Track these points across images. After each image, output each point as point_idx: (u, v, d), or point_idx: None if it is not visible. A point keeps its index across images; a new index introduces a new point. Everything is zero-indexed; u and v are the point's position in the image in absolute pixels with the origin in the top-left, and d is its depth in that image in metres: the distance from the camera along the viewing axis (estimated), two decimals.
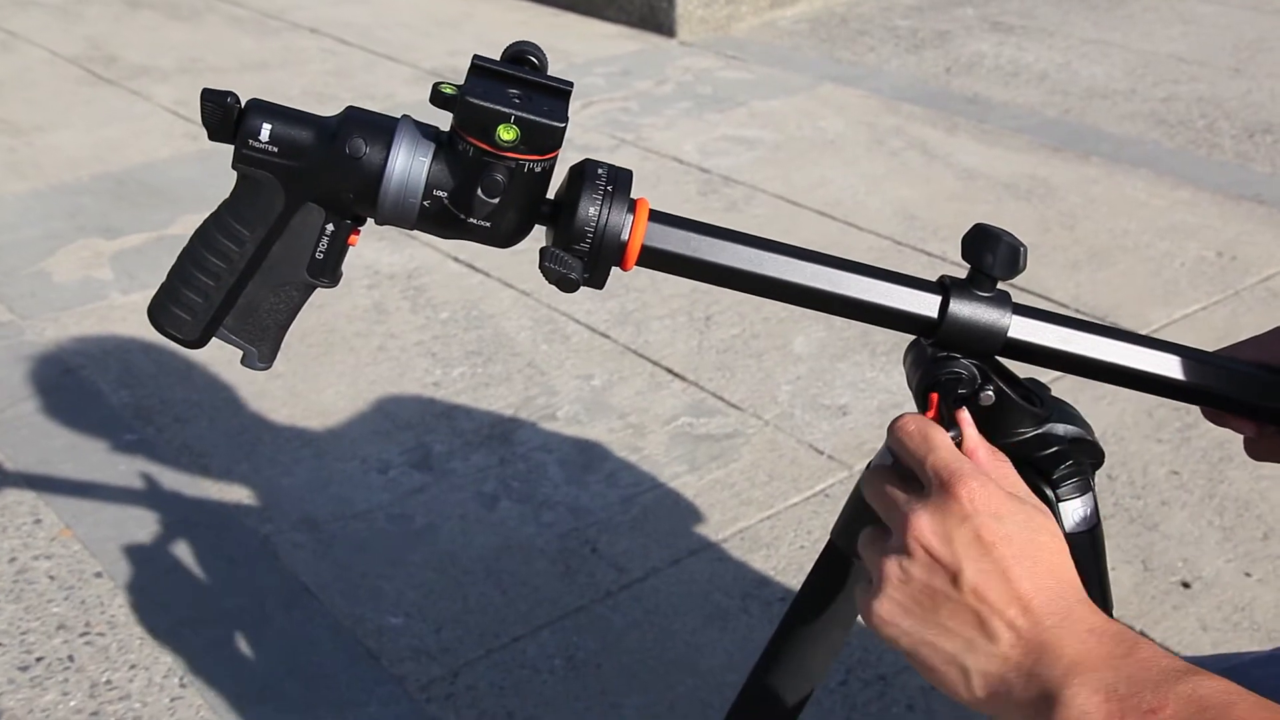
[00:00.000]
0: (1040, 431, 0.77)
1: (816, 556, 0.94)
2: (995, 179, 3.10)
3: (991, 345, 0.73)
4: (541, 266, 0.69)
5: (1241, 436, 0.82)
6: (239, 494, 1.97)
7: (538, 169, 0.68)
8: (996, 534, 0.64)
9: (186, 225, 2.93)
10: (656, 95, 3.75)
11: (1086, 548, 0.76)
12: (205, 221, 0.70)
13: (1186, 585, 1.75)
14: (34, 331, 2.46)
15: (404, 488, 1.98)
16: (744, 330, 2.42)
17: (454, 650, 1.66)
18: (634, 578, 1.78)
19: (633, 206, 0.71)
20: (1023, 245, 0.71)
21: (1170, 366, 0.77)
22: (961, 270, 0.74)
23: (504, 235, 0.70)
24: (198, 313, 0.71)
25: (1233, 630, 1.67)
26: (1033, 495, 0.69)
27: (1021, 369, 0.77)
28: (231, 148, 0.69)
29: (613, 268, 0.72)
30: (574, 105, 3.65)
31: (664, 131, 3.45)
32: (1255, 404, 0.78)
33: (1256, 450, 0.81)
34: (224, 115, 0.67)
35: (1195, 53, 4.04)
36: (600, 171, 0.71)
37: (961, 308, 0.72)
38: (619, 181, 0.71)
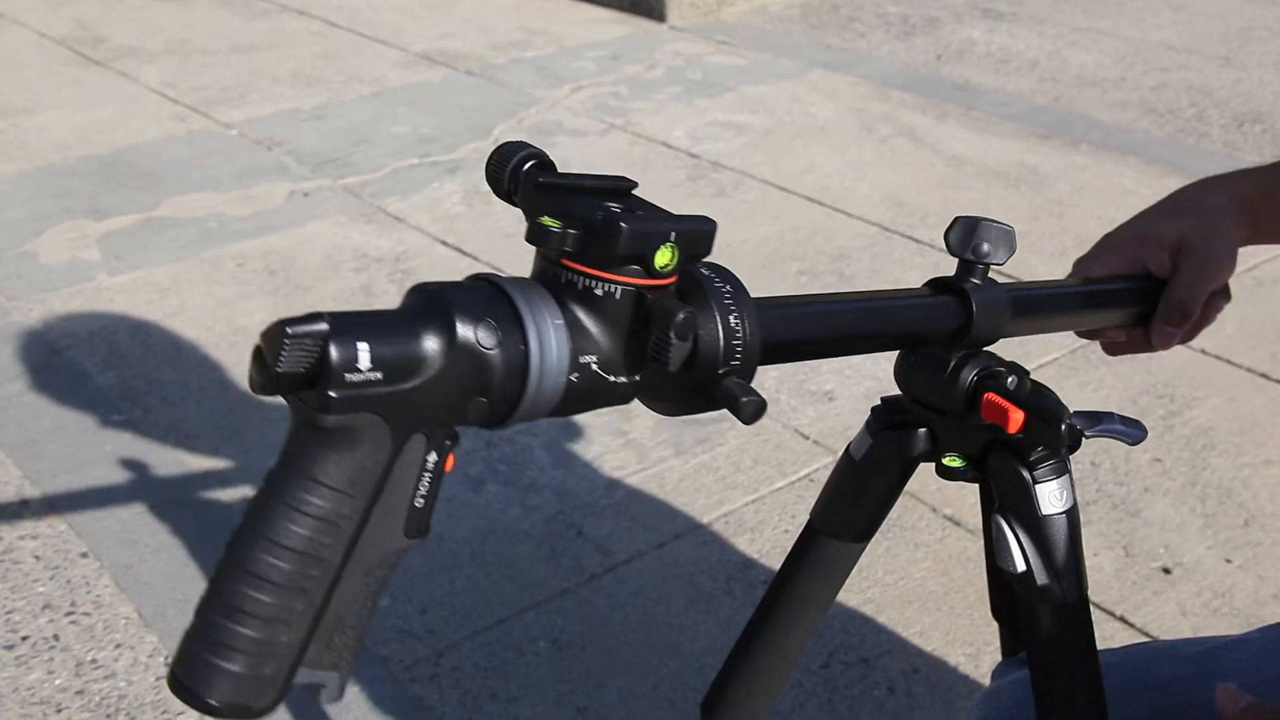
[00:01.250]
0: None
1: None
2: (984, 166, 3.10)
3: (1000, 334, 0.75)
4: (743, 415, 0.56)
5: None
6: (225, 475, 1.97)
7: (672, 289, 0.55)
8: None
9: (174, 207, 2.92)
10: (646, 80, 3.75)
11: (1063, 529, 0.77)
12: (258, 516, 0.47)
13: (1167, 571, 1.77)
14: (20, 312, 2.45)
15: None
16: None
17: (439, 632, 1.67)
18: (619, 561, 1.79)
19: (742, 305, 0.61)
20: (1011, 228, 0.73)
21: (1065, 304, 0.85)
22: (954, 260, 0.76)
23: (638, 387, 0.56)
24: (277, 662, 0.48)
25: (1212, 616, 1.68)
26: None
27: (1006, 353, 0.78)
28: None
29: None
30: (564, 90, 3.65)
31: (653, 116, 3.45)
32: (1120, 313, 0.86)
33: (1114, 348, 0.91)
34: (319, 354, 0.46)
35: (1185, 41, 4.05)
36: (703, 272, 0.59)
37: (982, 306, 0.74)
38: (732, 280, 0.60)
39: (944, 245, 0.76)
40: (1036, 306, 0.81)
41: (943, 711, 1.54)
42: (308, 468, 0.47)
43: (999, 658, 0.99)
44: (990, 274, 0.76)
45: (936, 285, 0.75)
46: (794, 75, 3.77)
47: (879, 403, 0.83)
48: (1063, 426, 0.69)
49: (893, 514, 1.45)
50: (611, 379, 0.53)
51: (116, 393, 2.18)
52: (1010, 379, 0.74)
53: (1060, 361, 2.25)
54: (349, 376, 0.46)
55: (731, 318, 0.57)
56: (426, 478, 0.50)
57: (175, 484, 1.95)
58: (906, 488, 0.83)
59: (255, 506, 0.49)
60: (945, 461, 0.79)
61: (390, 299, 2.50)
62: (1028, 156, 3.15)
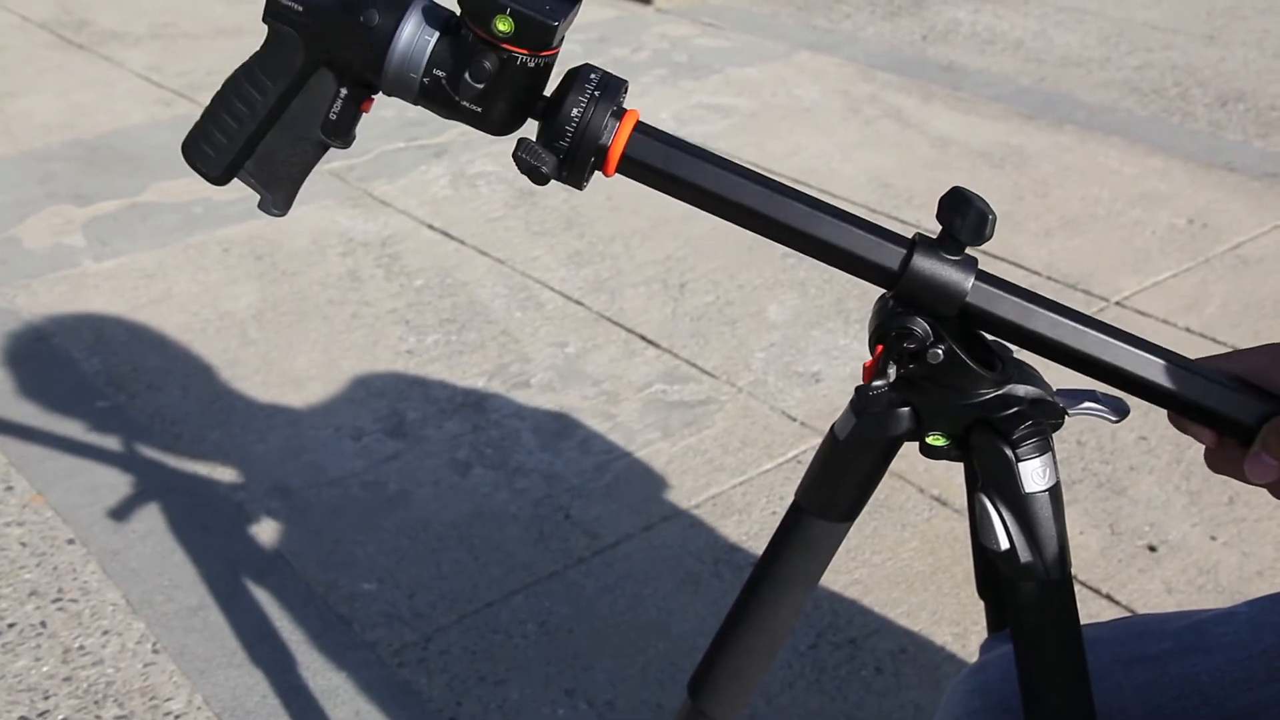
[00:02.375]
0: (1001, 393, 0.78)
1: None
2: (969, 147, 3.10)
3: (948, 306, 0.73)
4: (515, 155, 0.71)
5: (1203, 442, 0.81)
6: (212, 461, 1.97)
7: (530, 64, 0.70)
8: None
9: (159, 192, 2.91)
10: (633, 62, 3.73)
11: (1046, 507, 0.77)
12: (236, 70, 0.75)
13: (1153, 549, 1.78)
14: (4, 299, 2.44)
15: (377, 455, 1.98)
16: (718, 298, 2.42)
17: (426, 616, 1.67)
18: (607, 544, 1.79)
19: (620, 114, 0.72)
20: (993, 214, 0.71)
21: (1129, 361, 0.76)
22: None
23: (494, 123, 0.72)
24: (221, 152, 0.76)
25: (1197, 593, 1.69)
26: None
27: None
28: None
29: (595, 172, 0.73)
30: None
31: (640, 99, 3.44)
32: (1209, 411, 0.76)
33: (1214, 461, 0.79)
34: None
35: (1169, 21, 4.05)
36: (593, 76, 0.72)
37: (923, 264, 0.73)
38: (608, 87, 0.72)
39: (931, 226, 0.76)
40: (998, 315, 0.75)
41: (930, 691, 1.55)
42: (258, 52, 0.74)
43: (986, 636, 0.99)
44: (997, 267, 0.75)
45: (914, 237, 0.74)
46: (780, 57, 3.77)
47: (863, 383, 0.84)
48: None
49: (880, 494, 1.45)
50: (455, 97, 0.71)
51: (102, 379, 2.18)
52: (921, 344, 0.73)
53: None
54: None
55: (575, 108, 0.70)
56: (339, 102, 0.74)
57: (162, 470, 1.95)
58: (893, 468, 0.84)
59: (239, 66, 0.75)
60: (929, 440, 0.79)
61: (377, 284, 2.49)
62: (1012, 137, 3.16)
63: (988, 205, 0.72)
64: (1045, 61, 3.70)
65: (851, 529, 0.87)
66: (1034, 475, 0.77)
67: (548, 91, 0.74)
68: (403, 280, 2.51)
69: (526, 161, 0.71)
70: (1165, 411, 0.79)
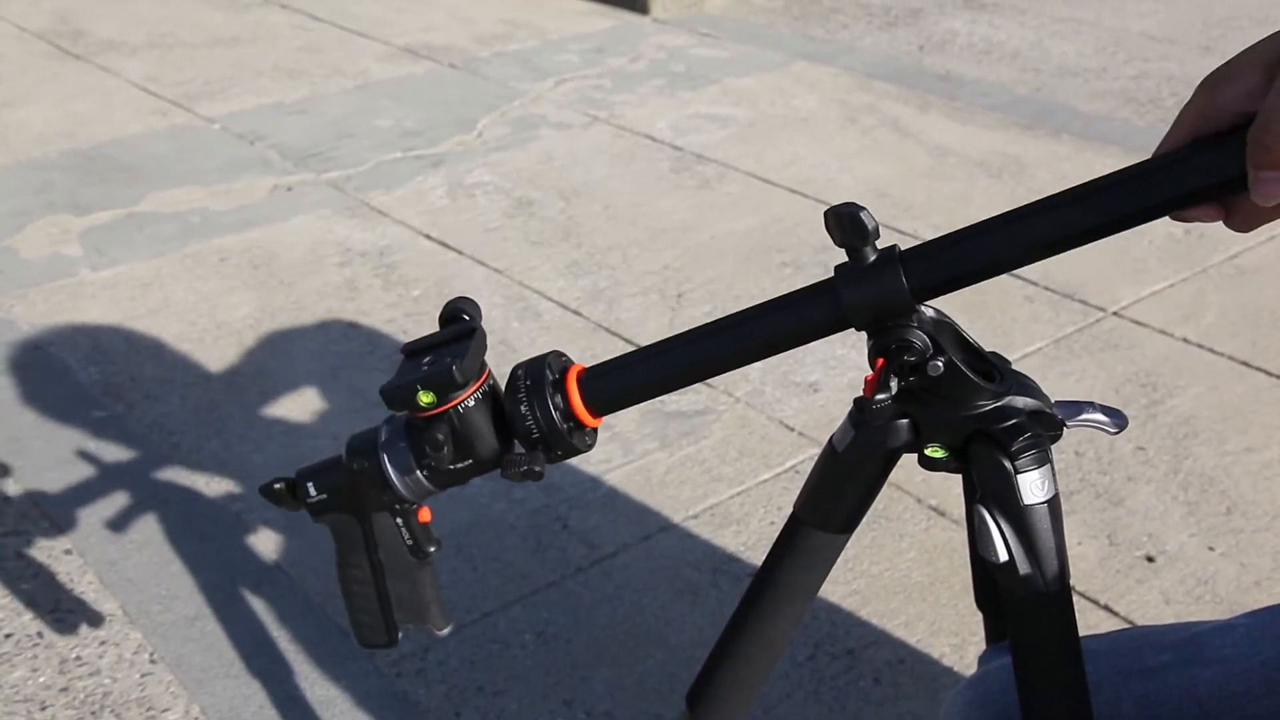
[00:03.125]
0: (999, 404, 0.78)
1: None
2: (967, 156, 3.11)
3: (903, 303, 0.73)
4: (505, 475, 0.77)
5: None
6: (210, 471, 1.97)
7: (470, 404, 0.77)
8: None
9: (157, 201, 2.91)
10: (630, 72, 3.74)
11: (1045, 519, 0.77)
12: (335, 566, 0.87)
13: (1151, 559, 1.78)
14: (2, 309, 2.44)
15: None
16: (715, 308, 2.43)
17: None
18: (605, 553, 1.79)
19: (560, 383, 0.78)
20: (860, 208, 0.71)
21: (1093, 215, 0.70)
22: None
23: (492, 459, 0.79)
24: (376, 622, 0.87)
25: (1195, 604, 1.69)
26: None
27: (989, 343, 0.78)
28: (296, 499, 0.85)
29: (582, 431, 0.79)
30: (548, 83, 3.65)
31: (637, 109, 3.45)
32: (1197, 191, 0.68)
33: (1237, 223, 0.69)
34: (288, 495, 0.84)
35: (1166, 30, 4.06)
36: (518, 374, 0.78)
37: (852, 292, 0.74)
38: (533, 376, 0.78)
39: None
40: (943, 261, 0.73)
41: (928, 701, 1.55)
42: (336, 545, 0.85)
43: (984, 647, 0.99)
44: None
45: (827, 280, 0.75)
46: (777, 67, 3.77)
47: (862, 394, 0.84)
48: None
49: (878, 505, 1.45)
50: (454, 467, 0.78)
51: (99, 388, 2.18)
52: (920, 356, 0.73)
53: (1044, 351, 2.26)
54: (309, 500, 0.84)
55: (521, 408, 0.77)
56: (403, 529, 0.84)
57: (159, 479, 1.95)
58: (890, 478, 0.84)
59: (335, 561, 0.87)
60: (928, 452, 0.79)
61: (374, 293, 2.49)
62: (1010, 146, 3.16)
63: (853, 205, 0.72)
64: (1042, 71, 3.71)
65: (849, 539, 0.87)
66: (1033, 487, 0.77)
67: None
68: (400, 290, 2.51)
69: (521, 473, 0.77)
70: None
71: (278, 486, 0.84)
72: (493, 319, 2.39)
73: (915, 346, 0.73)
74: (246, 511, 1.88)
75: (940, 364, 0.74)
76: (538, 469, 0.77)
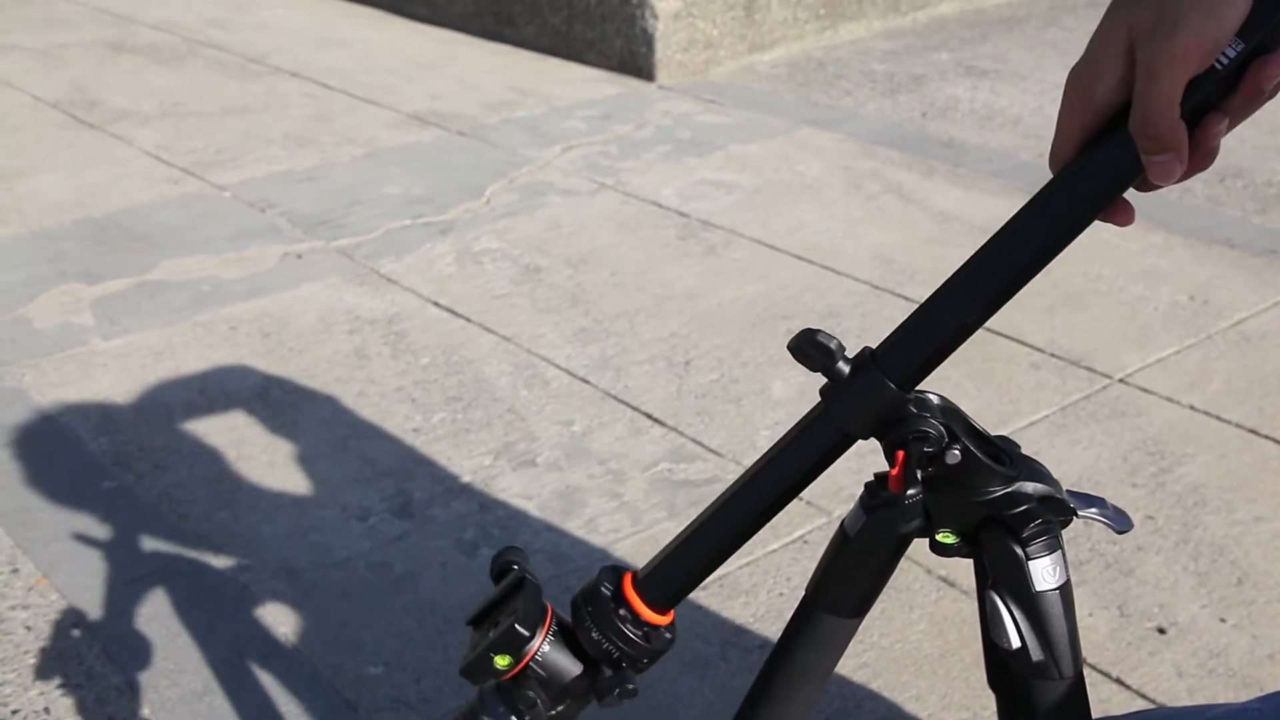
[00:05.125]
0: (1010, 490, 0.78)
1: (795, 603, 0.94)
2: (971, 222, 3.13)
3: (892, 398, 0.75)
4: (601, 705, 0.79)
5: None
6: (218, 542, 1.97)
7: (545, 650, 0.79)
8: None
9: (168, 270, 2.93)
10: (636, 139, 3.78)
11: (1057, 605, 0.78)
12: None
13: (1162, 631, 1.77)
14: (13, 378, 2.46)
15: (384, 535, 1.98)
16: (723, 375, 2.43)
17: (434, 700, 1.66)
18: None
19: (621, 598, 0.80)
20: (821, 331, 0.74)
21: (1033, 248, 0.73)
22: None
23: (585, 690, 0.80)
24: None
25: (1208, 676, 1.68)
26: None
27: (996, 410, 0.79)
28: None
29: (652, 628, 0.81)
30: (555, 149, 3.69)
31: (643, 175, 3.48)
32: (1110, 188, 0.71)
33: (1140, 187, 0.70)
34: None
35: None
36: (578, 603, 0.80)
37: (841, 408, 0.76)
38: (593, 600, 0.80)
39: None
40: (913, 345, 0.74)
41: None
42: None
43: None
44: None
45: (819, 405, 0.77)
46: (781, 133, 3.81)
47: (872, 478, 0.84)
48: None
49: None
50: (554, 712, 0.80)
51: (109, 458, 2.18)
52: (937, 446, 0.74)
53: (1050, 418, 2.26)
54: None
55: (594, 635, 0.79)
56: None
57: (168, 551, 1.95)
58: None
59: None
60: (939, 537, 0.79)
61: (384, 361, 2.51)
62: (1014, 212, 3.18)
63: (807, 332, 0.75)
64: (1044, 137, 3.74)
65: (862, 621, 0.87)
66: (1044, 573, 0.77)
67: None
68: (409, 358, 2.52)
69: (617, 698, 0.79)
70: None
71: None
72: (500, 387, 2.40)
73: (931, 436, 0.74)
74: (255, 583, 1.87)
75: (957, 451, 0.75)
76: (630, 686, 0.79)
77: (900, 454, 0.74)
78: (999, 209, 3.21)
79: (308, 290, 2.83)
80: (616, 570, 0.82)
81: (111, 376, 2.46)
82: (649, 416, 2.30)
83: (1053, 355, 2.49)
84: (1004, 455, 0.79)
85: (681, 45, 4.38)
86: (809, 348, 0.75)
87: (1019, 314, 2.64)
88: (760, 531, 1.98)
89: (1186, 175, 0.67)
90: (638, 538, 1.97)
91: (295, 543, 1.96)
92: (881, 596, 0.96)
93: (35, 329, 2.66)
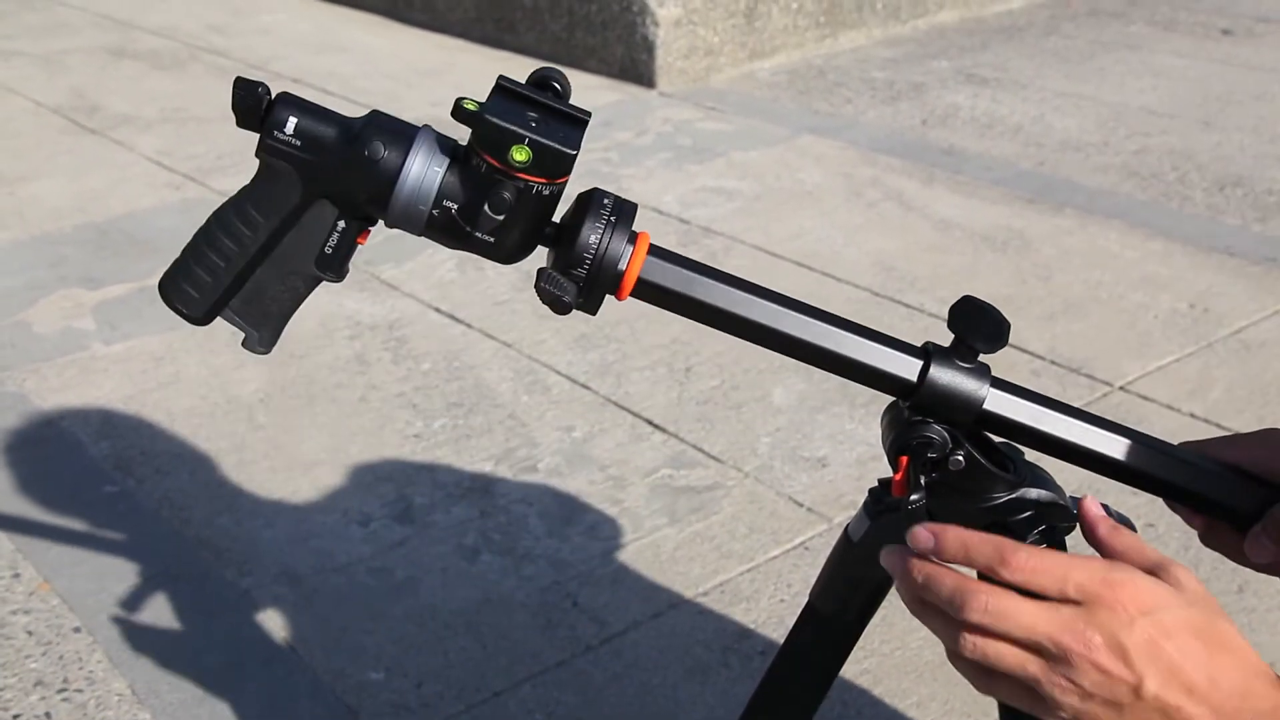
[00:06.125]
0: (1013, 496, 0.79)
1: (797, 610, 0.95)
2: (971, 230, 3.14)
3: (965, 415, 0.75)
4: (537, 286, 0.71)
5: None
6: (219, 547, 1.97)
7: (545, 192, 0.70)
8: (1162, 630, 0.65)
9: None
10: (636, 146, 3.79)
11: None
12: (223, 204, 0.73)
13: None
14: (14, 383, 2.46)
15: (385, 541, 1.98)
16: (724, 382, 2.44)
17: (434, 705, 1.66)
18: (614, 631, 1.79)
19: (634, 238, 0.73)
20: (1007, 322, 0.73)
21: (1135, 456, 0.79)
22: (943, 324, 0.77)
23: (506, 252, 0.72)
24: (205, 291, 0.74)
25: None
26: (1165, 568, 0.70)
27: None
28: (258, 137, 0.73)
29: (607, 295, 0.74)
30: None
31: (644, 182, 3.49)
32: (1209, 501, 0.82)
33: (1208, 539, 0.85)
34: (253, 103, 0.70)
35: (1166, 105, 4.11)
36: (606, 201, 0.72)
37: (941, 375, 0.74)
38: (623, 212, 0.73)
39: (934, 310, 0.78)
40: (1014, 420, 0.78)
41: None
42: (248, 187, 0.72)
43: None
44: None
45: (926, 346, 0.76)
46: (782, 140, 3.82)
47: (876, 484, 0.84)
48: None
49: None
50: (467, 229, 0.70)
51: (110, 463, 2.18)
52: (941, 452, 0.75)
53: None
54: (277, 133, 0.70)
55: (593, 235, 0.71)
56: (336, 235, 0.74)
57: (169, 555, 1.95)
58: None
59: (226, 201, 0.73)
60: None
61: (384, 367, 2.51)
62: (1014, 220, 3.19)
63: (1000, 313, 0.74)
64: (1045, 145, 3.75)
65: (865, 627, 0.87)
66: None
67: (557, 216, 0.74)
68: (410, 364, 2.52)
69: (550, 292, 0.71)
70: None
71: (259, 90, 0.71)
72: (501, 393, 2.41)
73: (935, 443, 0.75)
74: (255, 588, 1.88)
75: (961, 458, 0.75)
76: (567, 300, 0.71)
77: (904, 460, 0.75)
78: (1000, 216, 3.22)
79: (309, 296, 2.82)
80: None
81: (112, 381, 2.46)
82: (650, 423, 2.31)
83: (1053, 363, 2.49)
84: (1007, 461, 0.80)
85: (682, 52, 4.39)
86: (978, 313, 0.74)
87: (1019, 320, 2.65)
88: (761, 537, 1.97)
89: None
90: (639, 544, 1.97)
91: (296, 548, 1.96)
92: (883, 603, 0.96)
93: (36, 334, 2.66)
